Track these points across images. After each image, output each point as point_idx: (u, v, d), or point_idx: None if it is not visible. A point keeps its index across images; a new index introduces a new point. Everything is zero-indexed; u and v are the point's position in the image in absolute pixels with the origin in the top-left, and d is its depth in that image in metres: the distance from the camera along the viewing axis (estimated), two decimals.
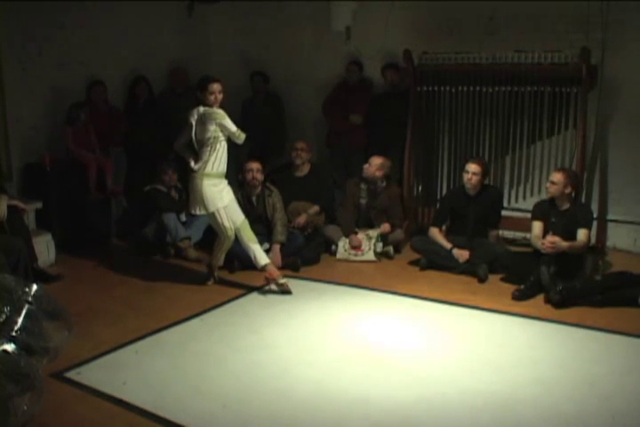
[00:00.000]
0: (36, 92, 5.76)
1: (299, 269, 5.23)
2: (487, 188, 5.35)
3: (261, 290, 4.78)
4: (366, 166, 5.72)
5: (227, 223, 4.71)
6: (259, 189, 5.47)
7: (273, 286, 4.76)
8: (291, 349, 3.78)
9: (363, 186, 5.79)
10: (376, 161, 5.70)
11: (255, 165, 5.42)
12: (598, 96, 5.52)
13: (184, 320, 4.19)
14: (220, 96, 4.61)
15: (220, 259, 4.95)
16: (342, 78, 6.63)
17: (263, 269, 4.79)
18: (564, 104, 5.53)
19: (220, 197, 4.67)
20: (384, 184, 5.77)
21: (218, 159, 4.64)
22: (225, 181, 4.75)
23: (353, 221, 5.74)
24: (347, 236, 5.62)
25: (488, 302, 4.53)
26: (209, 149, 4.60)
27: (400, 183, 6.13)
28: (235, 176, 5.62)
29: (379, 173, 5.70)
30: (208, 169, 4.63)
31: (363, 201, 5.80)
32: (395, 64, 6.25)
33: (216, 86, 4.58)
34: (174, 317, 4.23)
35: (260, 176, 5.42)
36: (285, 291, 4.72)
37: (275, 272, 4.77)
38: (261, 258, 4.80)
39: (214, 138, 4.59)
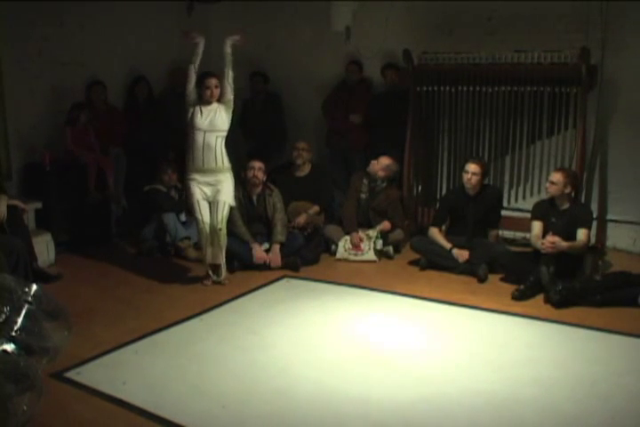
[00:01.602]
0: (35, 92, 5.76)
1: (299, 269, 5.22)
2: (487, 188, 5.36)
3: (261, 289, 4.77)
4: (374, 162, 5.75)
5: (198, 216, 4.77)
6: (259, 188, 5.46)
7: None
8: (290, 349, 3.78)
9: (365, 180, 5.81)
10: (384, 161, 5.71)
11: (257, 164, 5.42)
12: (598, 96, 5.53)
13: (184, 320, 4.18)
14: (216, 91, 4.62)
15: (207, 254, 4.84)
16: (342, 78, 6.63)
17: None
18: (564, 104, 5.53)
19: (198, 191, 4.72)
20: (384, 185, 5.77)
21: (190, 152, 4.68)
22: (211, 177, 4.73)
23: (355, 216, 5.74)
24: (348, 232, 5.62)
25: (488, 302, 4.54)
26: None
27: (400, 183, 6.13)
28: (236, 175, 5.61)
29: (381, 173, 5.71)
30: (187, 163, 4.73)
31: (363, 196, 5.81)
32: (394, 64, 6.26)
33: (212, 81, 4.60)
34: (174, 317, 4.22)
35: (260, 175, 5.41)
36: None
37: (208, 278, 4.86)
38: (214, 258, 4.83)
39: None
